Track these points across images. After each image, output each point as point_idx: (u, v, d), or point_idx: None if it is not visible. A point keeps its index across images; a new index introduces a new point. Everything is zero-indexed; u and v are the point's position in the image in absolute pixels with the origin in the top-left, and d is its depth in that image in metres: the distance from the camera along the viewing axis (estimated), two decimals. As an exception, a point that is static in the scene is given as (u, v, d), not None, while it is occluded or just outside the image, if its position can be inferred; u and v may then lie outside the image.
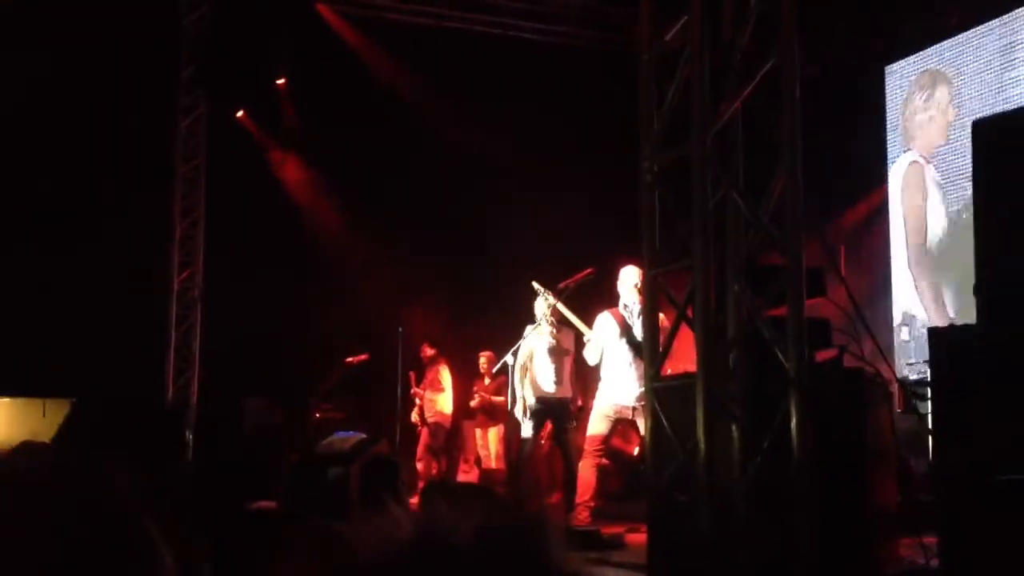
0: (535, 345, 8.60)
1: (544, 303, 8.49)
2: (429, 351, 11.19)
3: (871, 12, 10.63)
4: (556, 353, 8.49)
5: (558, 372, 8.47)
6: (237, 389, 10.94)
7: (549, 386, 8.48)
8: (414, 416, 11.05)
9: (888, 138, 11.45)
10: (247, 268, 11.00)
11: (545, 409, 8.50)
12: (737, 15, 4.97)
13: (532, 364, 8.62)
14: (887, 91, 11.48)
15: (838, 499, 4.56)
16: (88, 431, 2.05)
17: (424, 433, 11.06)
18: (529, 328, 8.62)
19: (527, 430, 8.56)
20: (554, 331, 8.51)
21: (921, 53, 10.97)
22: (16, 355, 9.26)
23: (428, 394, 11.10)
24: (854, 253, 11.96)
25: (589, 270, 8.49)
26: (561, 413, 8.53)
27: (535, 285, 8.45)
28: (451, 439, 11.65)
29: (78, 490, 1.26)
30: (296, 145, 12.14)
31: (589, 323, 8.09)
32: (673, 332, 5.08)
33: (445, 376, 11.16)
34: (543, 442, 10.08)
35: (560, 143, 11.29)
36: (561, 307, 8.27)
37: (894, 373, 7.57)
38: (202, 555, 3.13)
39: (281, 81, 11.35)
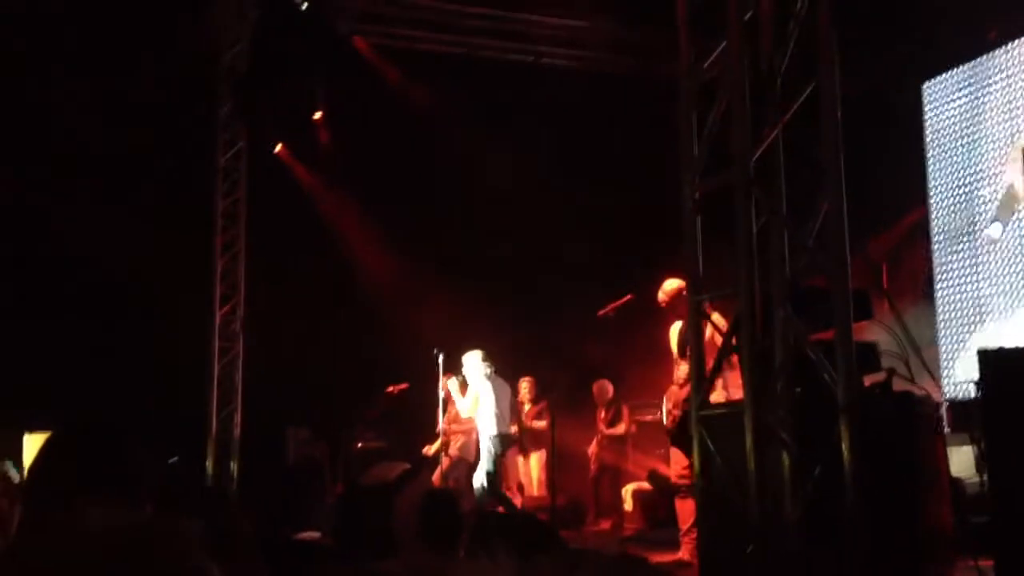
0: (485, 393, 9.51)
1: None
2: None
3: (908, 29, 10.56)
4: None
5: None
6: (280, 421, 11.00)
7: (503, 426, 9.47)
8: (437, 442, 10.22)
9: (928, 153, 11.35)
10: (288, 300, 11.07)
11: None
12: (775, 39, 4.95)
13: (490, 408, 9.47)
14: (925, 106, 11.39)
15: (891, 524, 4.50)
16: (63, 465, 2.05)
17: (444, 462, 10.45)
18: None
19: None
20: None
21: (958, 69, 10.89)
22: (56, 389, 9.33)
23: (455, 428, 10.58)
24: (896, 271, 11.86)
25: (628, 296, 8.45)
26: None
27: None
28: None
29: (155, 546, 1.32)
30: (334, 177, 12.22)
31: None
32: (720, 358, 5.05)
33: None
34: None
35: (600, 170, 11.28)
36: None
37: (942, 393, 7.48)
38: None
39: (318, 114, 11.43)
